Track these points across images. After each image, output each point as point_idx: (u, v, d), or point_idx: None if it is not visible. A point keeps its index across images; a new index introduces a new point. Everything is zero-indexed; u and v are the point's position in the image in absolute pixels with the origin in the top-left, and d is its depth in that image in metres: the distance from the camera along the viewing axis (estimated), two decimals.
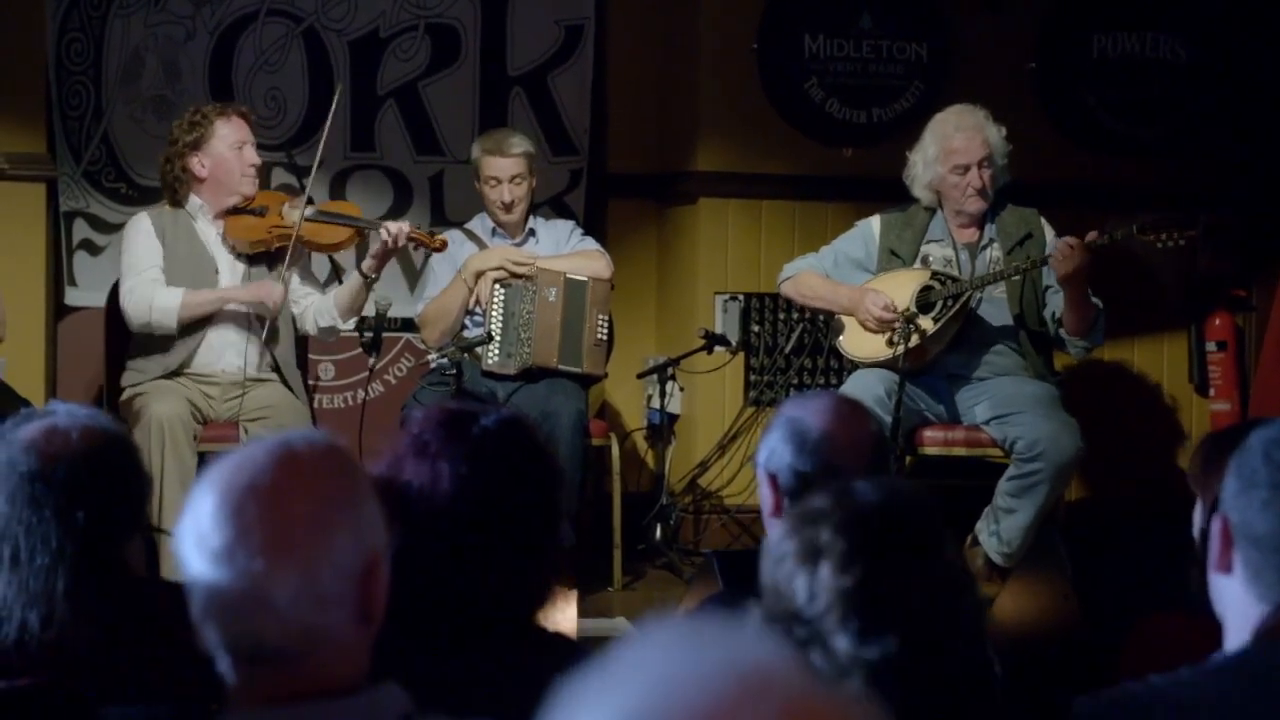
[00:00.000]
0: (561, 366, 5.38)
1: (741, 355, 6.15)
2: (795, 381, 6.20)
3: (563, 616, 3.12)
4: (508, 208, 5.49)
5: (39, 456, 2.27)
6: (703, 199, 6.17)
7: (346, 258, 5.80)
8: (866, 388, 5.03)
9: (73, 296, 5.96)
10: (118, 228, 5.87)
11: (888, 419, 4.90)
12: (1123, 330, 6.08)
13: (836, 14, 6.23)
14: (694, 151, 6.19)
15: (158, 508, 4.59)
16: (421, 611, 2.11)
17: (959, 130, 5.31)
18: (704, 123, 6.18)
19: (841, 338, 5.40)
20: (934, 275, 5.29)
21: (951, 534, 1.75)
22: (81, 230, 5.96)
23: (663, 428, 5.88)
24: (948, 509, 1.74)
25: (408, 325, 5.93)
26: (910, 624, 1.60)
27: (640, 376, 5.94)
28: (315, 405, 5.49)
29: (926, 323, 5.19)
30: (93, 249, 5.96)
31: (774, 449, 2.60)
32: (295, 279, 5.25)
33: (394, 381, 6.23)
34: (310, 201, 5.21)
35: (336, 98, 5.24)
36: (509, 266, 5.41)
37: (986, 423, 5.23)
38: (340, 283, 5.43)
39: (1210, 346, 6.36)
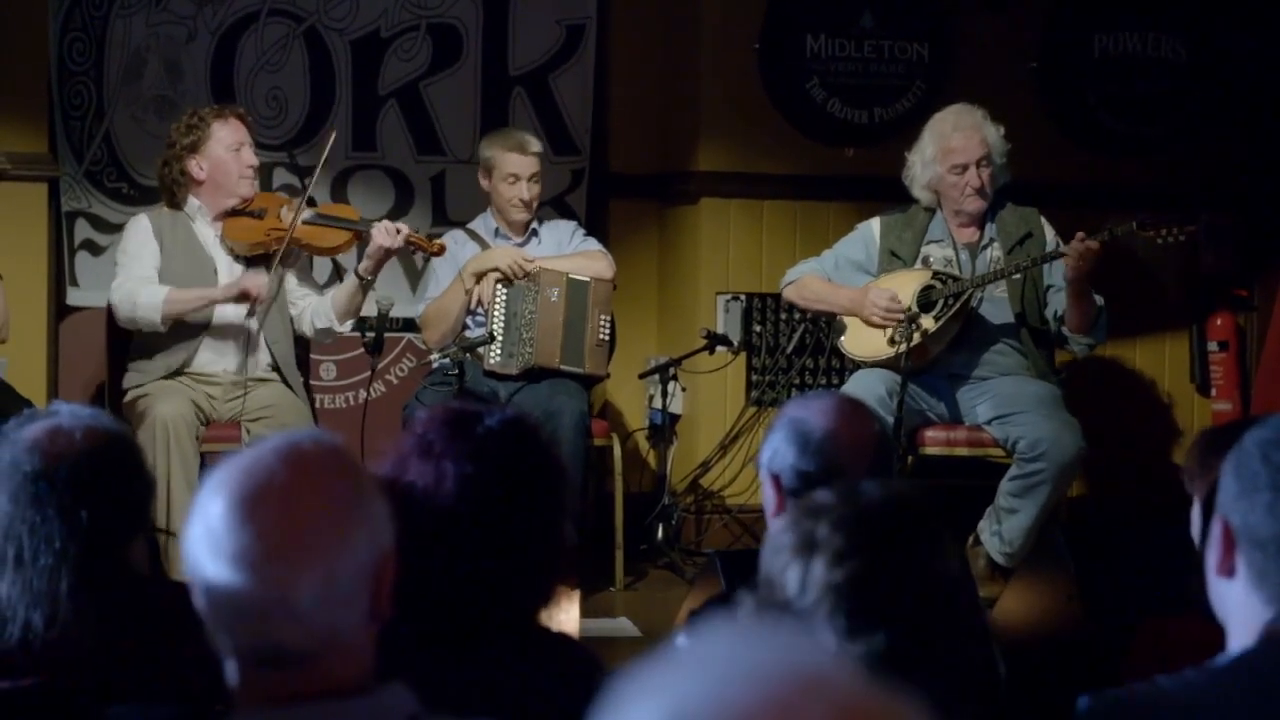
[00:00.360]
0: (563, 367, 5.39)
1: (743, 355, 6.16)
2: (797, 382, 6.20)
3: (565, 617, 3.12)
4: (526, 205, 5.50)
5: (42, 456, 2.27)
6: (704, 199, 6.17)
7: (348, 259, 5.80)
8: (868, 388, 5.03)
9: (74, 296, 5.96)
10: (119, 228, 5.86)
11: (889, 419, 4.91)
12: (1124, 330, 6.07)
13: (838, 14, 6.23)
14: (695, 151, 6.19)
15: (164, 509, 4.60)
16: (425, 611, 2.11)
17: (957, 129, 5.31)
18: (705, 123, 6.18)
19: (843, 338, 5.40)
20: (935, 275, 5.29)
21: (953, 537, 1.75)
22: (83, 230, 5.96)
23: (664, 428, 5.88)
24: (950, 509, 1.74)
25: (409, 325, 5.93)
26: (899, 623, 1.61)
27: (642, 376, 5.94)
28: (316, 405, 5.49)
29: (928, 322, 5.19)
30: (94, 249, 5.96)
31: (777, 449, 2.60)
32: (293, 280, 5.25)
33: (395, 382, 6.23)
34: (309, 204, 5.21)
35: (330, 143, 5.24)
36: (512, 267, 5.41)
37: (988, 422, 5.23)
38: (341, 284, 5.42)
39: (1212, 346, 6.36)
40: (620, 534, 5.50)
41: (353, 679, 1.63)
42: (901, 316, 5.12)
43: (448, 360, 5.16)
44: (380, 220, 5.20)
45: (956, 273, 5.31)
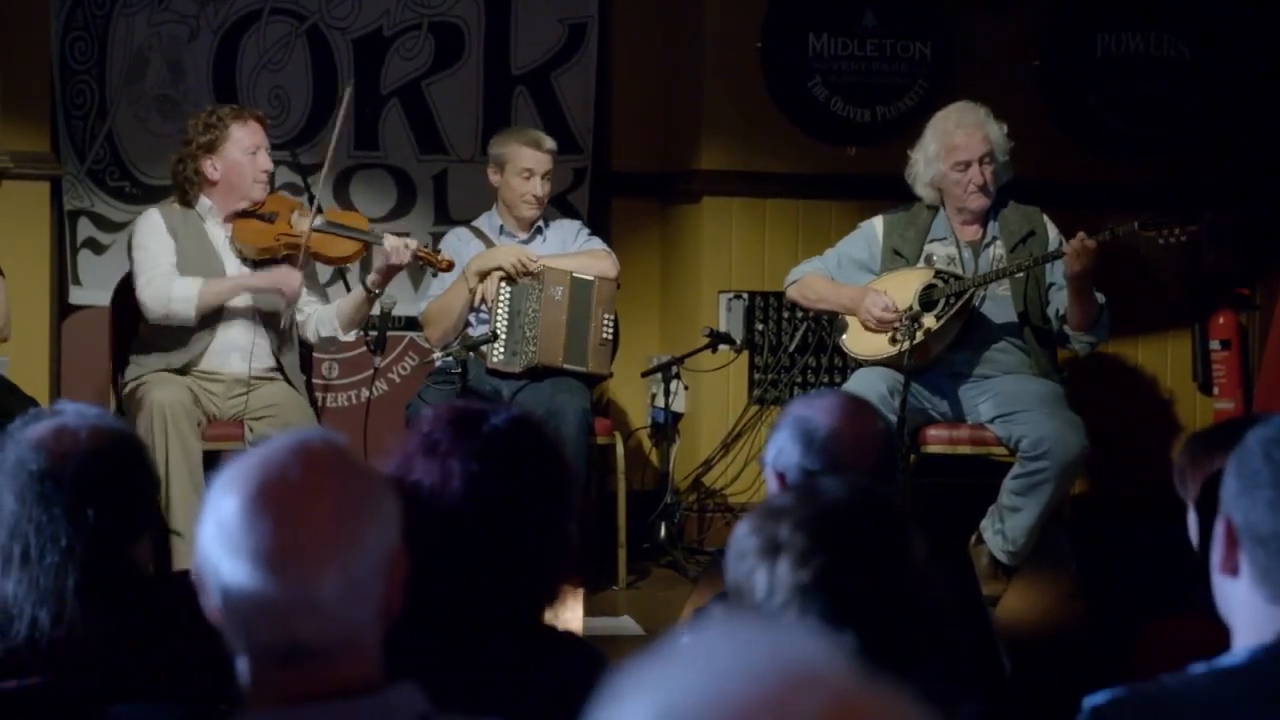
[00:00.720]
0: (567, 366, 5.39)
1: (745, 354, 6.16)
2: (799, 380, 6.21)
3: (570, 615, 3.12)
4: (538, 201, 5.50)
5: (48, 455, 2.27)
6: (706, 198, 6.17)
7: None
8: (869, 386, 5.03)
9: (77, 295, 5.96)
10: (122, 226, 5.87)
11: (892, 417, 4.90)
12: (1126, 329, 6.07)
13: (840, 12, 6.23)
14: (698, 150, 6.19)
15: (163, 497, 4.58)
16: (430, 610, 2.11)
17: (960, 127, 5.31)
18: (708, 121, 6.18)
19: (845, 336, 5.40)
20: (937, 274, 5.29)
21: (924, 535, 1.75)
22: (86, 229, 5.96)
23: (667, 426, 5.88)
24: (952, 508, 1.75)
25: (412, 324, 5.93)
26: (868, 621, 1.61)
27: (644, 375, 5.94)
28: (319, 404, 5.50)
29: (930, 320, 5.20)
30: (97, 248, 5.96)
31: (782, 448, 2.61)
32: (305, 290, 5.22)
33: (398, 380, 6.23)
34: (319, 211, 5.19)
35: (346, 98, 5.23)
36: (516, 265, 5.41)
37: (991, 421, 5.23)
38: (347, 289, 5.42)
39: (1214, 345, 6.36)
40: (623, 532, 5.50)
41: (363, 678, 1.63)
42: (897, 323, 5.13)
43: (451, 359, 5.16)
44: (390, 234, 5.17)
45: (959, 271, 5.31)
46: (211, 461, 4.82)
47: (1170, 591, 2.68)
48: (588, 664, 2.20)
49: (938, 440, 5.32)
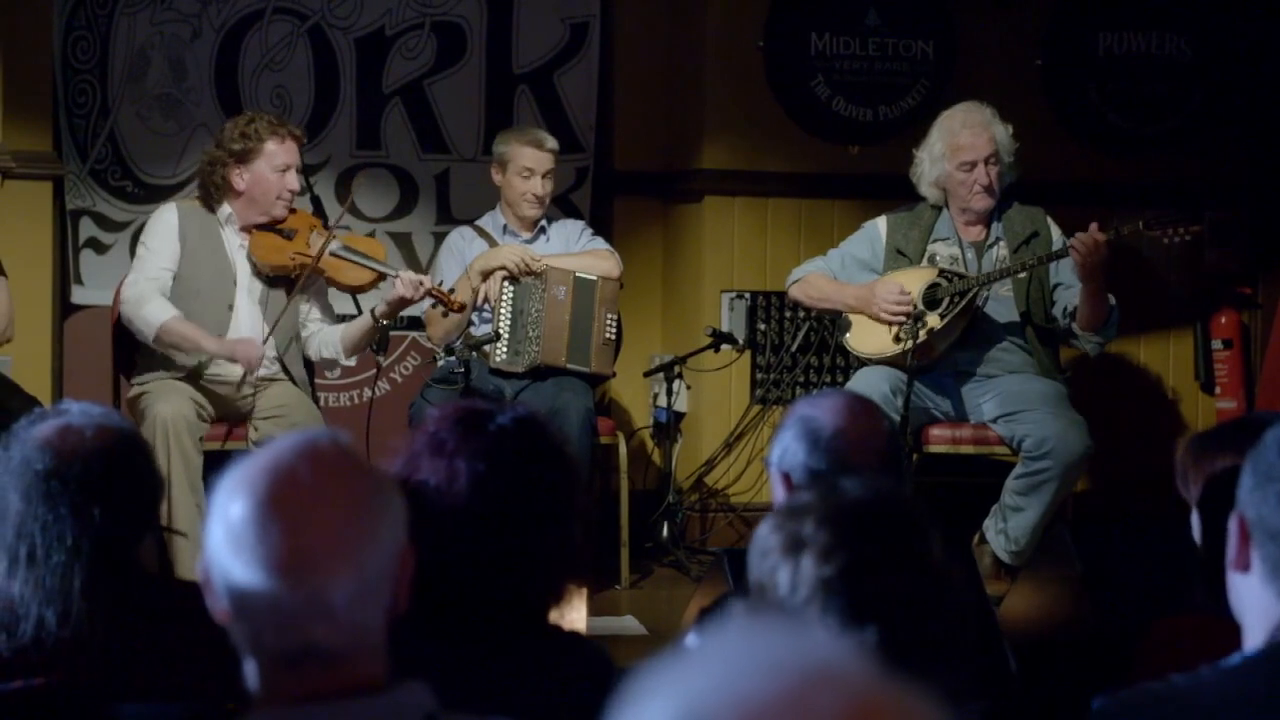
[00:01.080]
0: (569, 365, 5.38)
1: (748, 353, 6.15)
2: (802, 380, 6.21)
3: (574, 615, 3.12)
4: (539, 201, 5.49)
5: (54, 454, 2.27)
6: (709, 197, 6.16)
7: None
8: (872, 385, 5.03)
9: (79, 295, 5.96)
10: (124, 226, 5.87)
11: (895, 416, 4.91)
12: (1128, 328, 6.06)
13: (843, 11, 6.22)
14: (700, 149, 6.19)
15: (165, 508, 4.58)
16: (437, 609, 2.11)
17: (965, 127, 5.31)
18: (710, 121, 6.18)
19: (848, 335, 5.40)
20: (941, 273, 5.29)
21: (940, 535, 1.76)
22: (88, 229, 5.96)
23: (669, 426, 5.88)
24: (955, 507, 1.76)
25: (414, 323, 5.92)
26: (890, 617, 1.62)
27: (647, 375, 5.94)
28: (321, 403, 5.49)
29: (933, 319, 5.20)
30: (99, 247, 5.95)
31: (787, 447, 2.60)
32: (310, 304, 5.20)
33: (400, 380, 6.23)
34: (338, 234, 5.16)
35: (348, 204, 5.34)
36: (519, 265, 5.41)
37: (994, 420, 5.23)
38: (358, 311, 5.40)
39: (1216, 344, 6.36)
40: (625, 532, 5.50)
41: (371, 677, 1.63)
42: (911, 309, 5.12)
43: (454, 358, 5.16)
44: (405, 271, 5.13)
45: (963, 271, 5.31)
46: (218, 463, 4.81)
47: (1173, 591, 2.68)
48: (593, 663, 2.20)
49: (940, 440, 5.32)
